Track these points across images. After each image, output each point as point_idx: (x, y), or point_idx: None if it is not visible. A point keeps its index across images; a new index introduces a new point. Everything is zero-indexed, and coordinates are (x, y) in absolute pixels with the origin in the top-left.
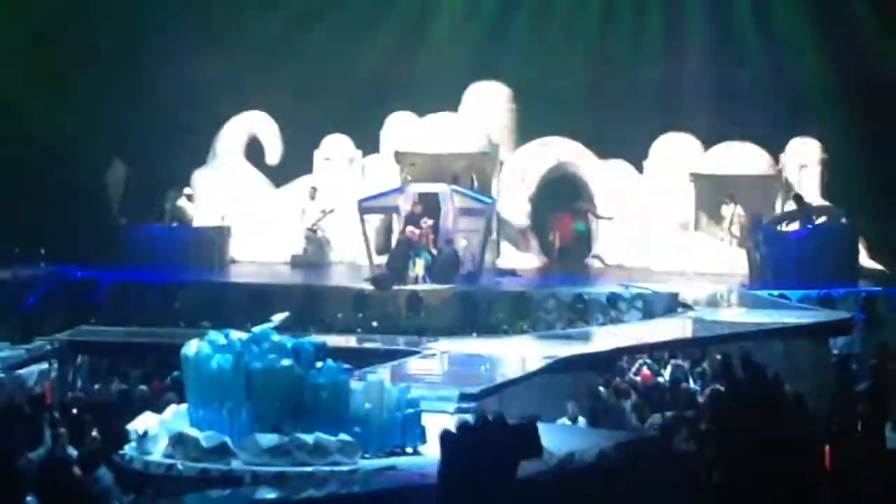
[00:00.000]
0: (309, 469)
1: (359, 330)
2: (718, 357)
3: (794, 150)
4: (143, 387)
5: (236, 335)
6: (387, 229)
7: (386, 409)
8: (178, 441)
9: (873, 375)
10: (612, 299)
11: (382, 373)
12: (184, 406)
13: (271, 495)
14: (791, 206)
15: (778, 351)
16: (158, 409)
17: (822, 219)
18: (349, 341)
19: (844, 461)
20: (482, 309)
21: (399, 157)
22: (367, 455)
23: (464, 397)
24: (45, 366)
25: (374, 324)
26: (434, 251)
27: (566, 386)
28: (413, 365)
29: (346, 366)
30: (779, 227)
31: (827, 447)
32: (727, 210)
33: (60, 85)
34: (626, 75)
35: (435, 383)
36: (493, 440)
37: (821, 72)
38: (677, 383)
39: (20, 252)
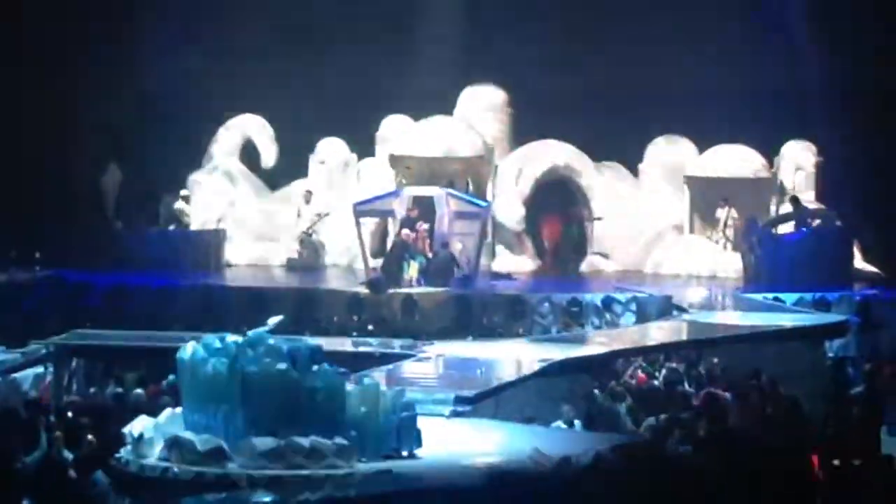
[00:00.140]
0: (305, 473)
1: (354, 333)
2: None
3: (788, 152)
4: (139, 390)
5: (232, 339)
6: (382, 233)
7: (381, 413)
8: (174, 444)
9: (868, 379)
10: (607, 303)
11: (378, 376)
12: (179, 409)
13: (267, 499)
14: (786, 208)
15: (773, 354)
16: (154, 413)
17: (817, 222)
18: (344, 345)
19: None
20: (477, 312)
21: (394, 160)
22: (362, 459)
23: (459, 401)
24: (40, 369)
25: (370, 327)
26: (429, 255)
27: (562, 389)
28: (408, 368)
29: (342, 369)
30: (773, 230)
31: (815, 451)
32: (722, 213)
33: (56, 89)
34: (621, 78)
35: (430, 387)
36: None
37: (816, 74)
38: (672, 386)
39: (16, 256)
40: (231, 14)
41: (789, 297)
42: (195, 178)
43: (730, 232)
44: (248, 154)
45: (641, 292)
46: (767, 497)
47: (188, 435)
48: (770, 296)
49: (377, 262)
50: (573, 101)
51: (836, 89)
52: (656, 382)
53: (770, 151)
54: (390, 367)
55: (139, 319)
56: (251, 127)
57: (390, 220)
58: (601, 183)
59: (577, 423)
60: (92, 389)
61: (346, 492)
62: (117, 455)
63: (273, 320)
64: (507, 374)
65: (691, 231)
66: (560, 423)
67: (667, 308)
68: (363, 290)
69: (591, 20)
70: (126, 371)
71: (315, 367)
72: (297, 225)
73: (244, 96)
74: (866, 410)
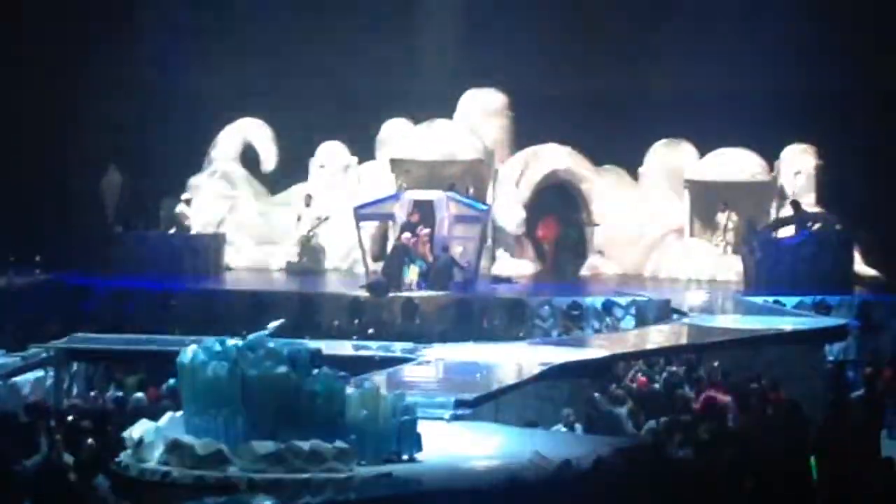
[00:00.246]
0: (305, 476)
1: (354, 337)
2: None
3: (788, 156)
4: (139, 394)
5: (232, 342)
6: (382, 236)
7: (382, 417)
8: (174, 448)
9: (868, 382)
10: (608, 306)
11: (378, 380)
12: (179, 413)
13: (267, 502)
14: (786, 212)
15: (773, 358)
16: (154, 417)
17: (817, 225)
18: (345, 348)
19: (839, 468)
20: (477, 316)
21: (394, 164)
22: (362, 462)
23: (459, 404)
24: (40, 373)
25: (370, 331)
26: (430, 258)
27: (562, 393)
28: (409, 372)
29: (342, 373)
30: (774, 234)
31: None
32: (722, 216)
33: (55, 92)
34: (621, 83)
35: (431, 390)
36: None
37: (816, 78)
38: (672, 389)
39: (16, 259)
40: (232, 17)
41: (789, 301)
42: (195, 181)
43: (730, 235)
44: (249, 157)
45: (642, 296)
46: (768, 500)
47: (188, 438)
48: (770, 299)
49: (377, 266)
50: (573, 105)
51: (837, 93)
52: (657, 386)
53: (770, 155)
54: (390, 370)
55: (139, 323)
56: (251, 130)
57: (391, 223)
58: (601, 187)
59: (577, 426)
60: (92, 393)
61: (346, 495)
62: (117, 459)
63: (273, 324)
64: (508, 377)
65: (692, 235)
66: (561, 427)
67: (667, 311)
68: (363, 294)
69: (592, 24)
70: (126, 375)
71: (315, 371)
72: (297, 228)
73: (244, 100)
74: (866, 414)
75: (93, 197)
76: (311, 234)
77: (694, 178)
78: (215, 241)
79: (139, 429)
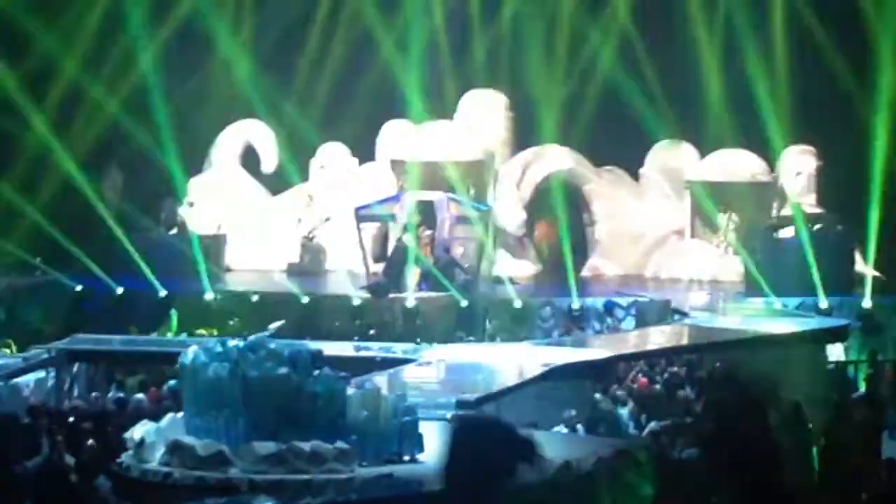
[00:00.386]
0: (306, 477)
1: (355, 338)
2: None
3: (789, 157)
4: (140, 395)
5: (233, 343)
6: (383, 237)
7: (383, 418)
8: (175, 449)
9: (869, 383)
10: (609, 307)
11: (379, 381)
12: (180, 414)
13: (268, 503)
14: (786, 213)
15: (774, 358)
16: (155, 418)
17: (818, 226)
18: (346, 349)
19: (840, 469)
20: (478, 317)
21: (395, 165)
22: (364, 463)
23: (461, 405)
24: (42, 374)
25: (371, 331)
26: (431, 260)
27: (563, 394)
28: (410, 373)
29: (343, 374)
30: (774, 235)
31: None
32: (723, 217)
33: (56, 93)
34: (621, 83)
35: (432, 391)
36: (498, 441)
37: (816, 79)
38: (674, 390)
39: (17, 261)
40: (233, 19)
41: (791, 302)
42: (196, 182)
43: (731, 236)
44: (249, 158)
45: (643, 297)
46: (768, 501)
47: (189, 439)
48: (772, 300)
49: (378, 267)
50: (574, 106)
51: (837, 93)
52: (658, 386)
53: (771, 156)
54: (392, 371)
55: (140, 324)
56: (252, 132)
57: (391, 224)
58: (602, 188)
59: (579, 427)
60: (93, 394)
61: (347, 496)
62: (119, 460)
63: (274, 325)
64: (509, 378)
65: (692, 235)
66: (562, 428)
67: (668, 312)
68: (364, 295)
69: (592, 25)
70: (127, 376)
71: (316, 372)
72: (298, 230)
73: (245, 101)
74: (867, 414)
75: (94, 198)
76: (311, 235)
77: (695, 179)
78: (216, 243)
79: (140, 430)
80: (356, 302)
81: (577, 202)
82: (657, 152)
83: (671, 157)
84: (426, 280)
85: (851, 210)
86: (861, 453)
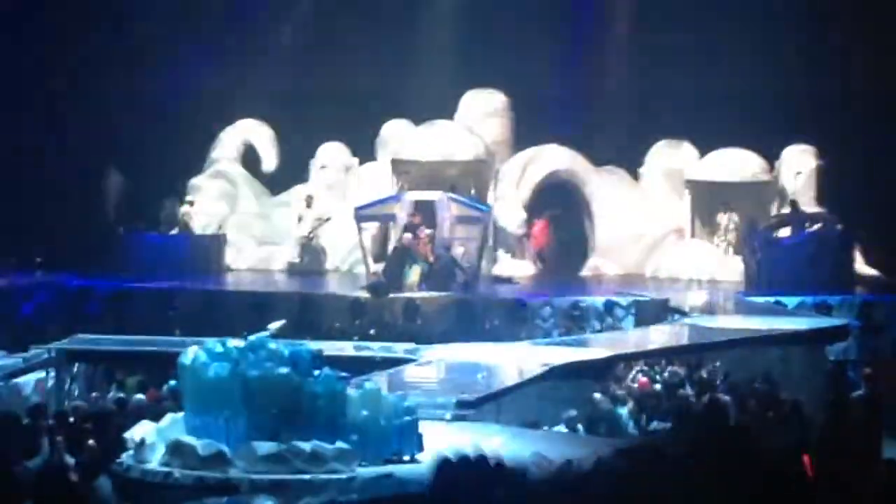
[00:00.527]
0: (306, 477)
1: (355, 338)
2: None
3: (789, 156)
4: (140, 395)
5: (233, 343)
6: (383, 237)
7: (383, 417)
8: (176, 449)
9: (868, 382)
10: (609, 306)
11: (379, 380)
12: (181, 414)
13: (269, 503)
14: (786, 211)
15: (774, 358)
16: (155, 418)
17: (818, 225)
18: (346, 349)
19: (839, 469)
20: (479, 317)
21: (395, 164)
22: (364, 463)
23: (461, 405)
24: (41, 374)
25: (371, 331)
26: (431, 259)
27: (563, 393)
28: (410, 373)
29: (343, 374)
30: (774, 234)
31: (806, 454)
32: (723, 217)
33: (56, 93)
34: (622, 83)
35: (432, 391)
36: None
37: (816, 78)
38: (673, 390)
39: (16, 260)
40: (233, 19)
41: (790, 301)
42: (196, 182)
43: (731, 236)
44: (249, 158)
45: (643, 296)
46: (768, 501)
47: (190, 440)
48: (771, 299)
49: (378, 267)
50: (574, 106)
51: (837, 92)
52: (658, 386)
53: (771, 155)
54: (392, 371)
55: (140, 324)
56: (252, 131)
57: (391, 224)
58: (602, 187)
59: (579, 427)
60: (93, 394)
61: (347, 496)
62: (119, 460)
63: (274, 325)
64: (509, 378)
65: (692, 235)
66: (562, 428)
67: (668, 312)
68: (364, 295)
69: (591, 24)
70: (127, 376)
71: (316, 372)
72: (298, 229)
73: (245, 101)
74: (867, 414)
75: (94, 198)
76: (312, 234)
77: (694, 179)
78: (216, 242)
79: (140, 430)
80: (356, 302)
81: (576, 202)
82: (657, 152)
83: (671, 157)
84: (426, 280)
85: (851, 210)
86: (861, 454)
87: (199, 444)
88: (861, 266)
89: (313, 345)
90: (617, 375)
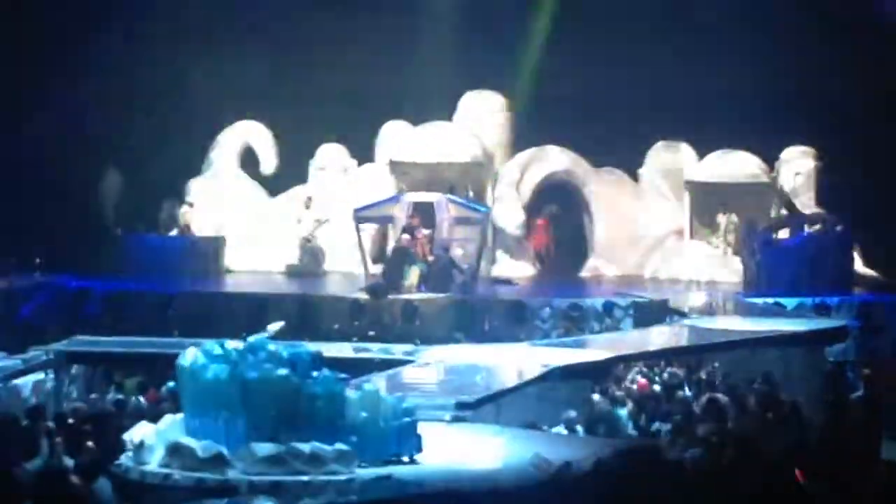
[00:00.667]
0: (305, 478)
1: (354, 339)
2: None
3: (788, 158)
4: (139, 396)
5: (232, 345)
6: (382, 238)
7: (382, 419)
8: (175, 451)
9: (867, 383)
10: (608, 307)
11: (378, 382)
12: (180, 416)
13: None
14: (783, 212)
15: (773, 359)
16: (154, 419)
17: (817, 226)
18: (345, 350)
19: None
20: (478, 318)
21: (393, 166)
22: (363, 464)
23: (460, 406)
24: (40, 376)
25: (370, 333)
26: (430, 259)
27: (562, 394)
28: (409, 374)
29: (342, 375)
30: (773, 235)
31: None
32: (722, 218)
33: (54, 93)
34: (621, 83)
35: (431, 392)
36: None
37: (815, 79)
38: (672, 391)
39: (15, 262)
40: (232, 21)
41: (790, 302)
42: (195, 184)
43: (730, 237)
44: (248, 160)
45: (642, 297)
46: (768, 502)
47: (189, 441)
48: (770, 300)
49: (377, 268)
50: (573, 107)
51: (837, 93)
52: (657, 387)
53: (770, 156)
54: (391, 372)
55: (139, 325)
56: (251, 133)
57: (390, 225)
58: (601, 188)
59: (578, 427)
60: (92, 396)
61: (346, 497)
62: (118, 462)
63: (273, 326)
64: (508, 379)
65: (692, 236)
66: (561, 429)
67: (667, 313)
68: (363, 296)
69: (591, 25)
70: (126, 377)
71: (315, 373)
72: (297, 231)
73: (244, 102)
74: (866, 415)
75: (92, 199)
76: (310, 236)
77: (694, 180)
78: (215, 244)
79: (139, 432)
80: (355, 303)
81: (576, 203)
82: (657, 153)
83: (671, 158)
84: (425, 281)
85: (851, 210)
86: (860, 455)
87: (199, 446)
88: (860, 267)
89: (312, 346)
90: (616, 376)
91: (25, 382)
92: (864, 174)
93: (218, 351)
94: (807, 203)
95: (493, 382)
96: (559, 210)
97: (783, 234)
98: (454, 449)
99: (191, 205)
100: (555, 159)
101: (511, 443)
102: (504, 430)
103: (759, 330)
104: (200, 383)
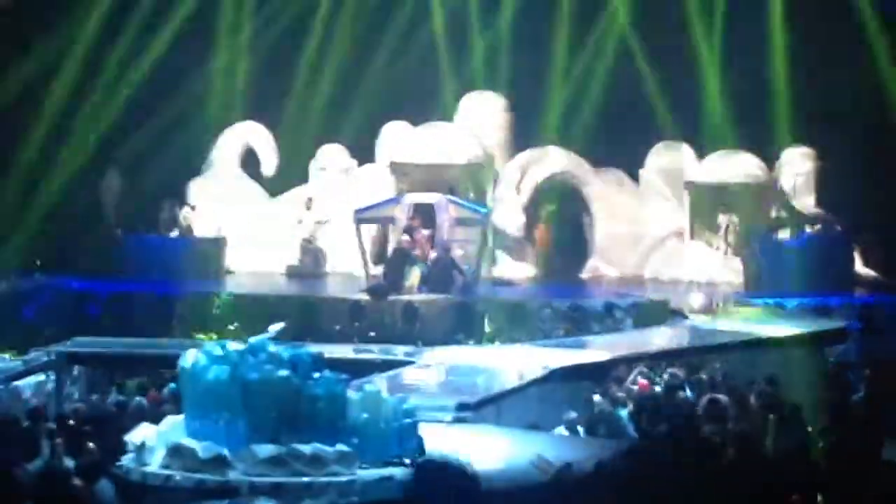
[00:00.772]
0: (306, 480)
1: (355, 340)
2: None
3: (788, 158)
4: (140, 398)
5: (233, 346)
6: (383, 239)
7: (383, 420)
8: (176, 452)
9: (868, 384)
10: (608, 308)
11: (379, 383)
12: (181, 417)
13: None
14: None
15: (773, 360)
16: (156, 420)
17: (817, 227)
18: (346, 351)
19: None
20: (478, 319)
21: (394, 167)
22: (364, 465)
23: (461, 407)
24: (41, 377)
25: (371, 334)
26: (430, 260)
27: (563, 395)
28: (410, 375)
29: (343, 376)
30: (774, 236)
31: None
32: (722, 219)
33: (55, 94)
34: (621, 84)
35: (432, 393)
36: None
37: (816, 80)
38: (673, 392)
39: (16, 263)
40: (233, 21)
41: (790, 303)
42: (195, 184)
43: (731, 238)
44: (249, 161)
45: (642, 298)
46: (769, 501)
47: (190, 442)
48: (771, 301)
49: (378, 269)
50: (573, 107)
51: (836, 93)
52: (658, 388)
53: (770, 157)
54: (392, 373)
55: (140, 327)
56: (251, 134)
57: (391, 226)
58: (601, 189)
59: (579, 428)
60: (93, 397)
61: (348, 499)
62: (119, 463)
63: (274, 327)
64: (509, 380)
65: (692, 237)
66: (562, 430)
67: (668, 314)
68: (364, 297)
69: (591, 25)
70: (127, 378)
71: (316, 374)
72: (297, 232)
73: (245, 103)
74: (867, 416)
75: (93, 200)
76: (311, 237)
77: (694, 180)
78: (216, 245)
79: (140, 433)
80: (356, 304)
81: (576, 204)
82: (657, 153)
83: (671, 159)
84: (425, 282)
85: (851, 210)
86: (861, 456)
87: (200, 447)
88: (861, 268)
89: (313, 347)
90: (617, 377)
91: (26, 384)
92: (864, 174)
93: (219, 352)
94: (807, 204)
95: (494, 383)
96: (555, 208)
97: (783, 234)
98: (455, 450)
99: (192, 207)
100: (555, 160)
101: (512, 444)
102: (505, 431)
103: (759, 331)
104: (201, 384)
